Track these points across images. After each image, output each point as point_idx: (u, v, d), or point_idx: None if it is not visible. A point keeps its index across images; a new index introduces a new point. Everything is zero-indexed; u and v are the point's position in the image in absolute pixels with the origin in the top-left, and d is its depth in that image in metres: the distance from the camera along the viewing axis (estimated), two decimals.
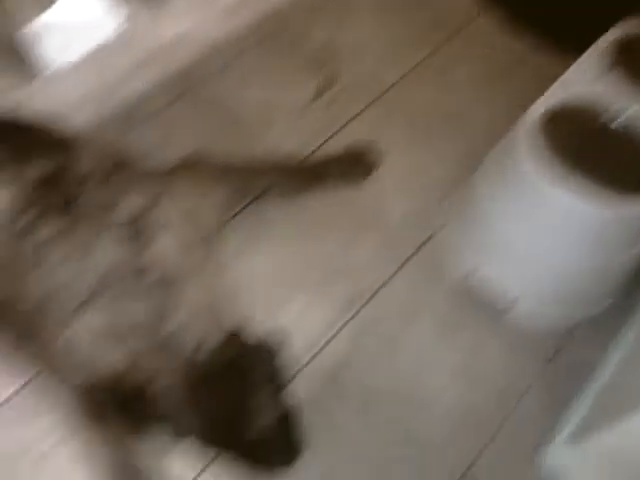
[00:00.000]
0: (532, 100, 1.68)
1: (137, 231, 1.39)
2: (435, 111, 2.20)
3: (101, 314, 1.31)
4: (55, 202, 1.37)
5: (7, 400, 1.59)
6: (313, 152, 2.07)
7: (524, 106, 1.68)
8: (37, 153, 1.42)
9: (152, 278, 1.36)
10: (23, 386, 1.60)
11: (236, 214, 1.87)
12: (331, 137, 2.11)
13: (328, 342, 1.73)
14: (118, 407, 1.35)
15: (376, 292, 1.82)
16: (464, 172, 2.02)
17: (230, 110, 2.13)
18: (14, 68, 2.14)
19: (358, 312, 1.79)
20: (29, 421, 1.56)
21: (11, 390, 1.60)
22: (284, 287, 1.81)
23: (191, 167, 1.77)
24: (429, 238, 1.93)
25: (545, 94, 1.69)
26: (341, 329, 1.76)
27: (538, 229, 1.65)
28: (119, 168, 1.48)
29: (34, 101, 2.03)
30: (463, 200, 1.92)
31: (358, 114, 2.17)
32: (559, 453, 1.57)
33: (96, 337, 1.31)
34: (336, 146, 2.07)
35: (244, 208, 1.89)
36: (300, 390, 1.62)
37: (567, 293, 1.79)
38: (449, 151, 2.11)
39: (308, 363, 1.70)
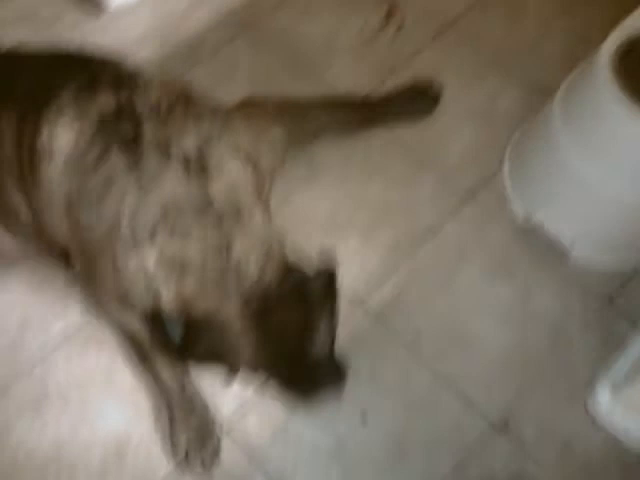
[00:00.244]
0: (608, 29, 1.59)
1: (200, 165, 1.39)
2: (502, 43, 2.12)
3: (166, 244, 1.34)
4: (121, 136, 1.38)
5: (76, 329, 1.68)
6: (375, 88, 2.03)
7: (599, 36, 1.60)
8: (102, 88, 1.44)
9: (215, 210, 1.37)
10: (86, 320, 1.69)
11: (295, 151, 1.84)
12: (394, 72, 2.06)
13: (381, 281, 1.74)
14: (182, 335, 1.40)
15: (431, 233, 1.81)
16: (531, 107, 1.97)
17: (290, 46, 2.11)
18: (80, 4, 2.17)
19: (412, 253, 1.78)
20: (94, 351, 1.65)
21: (77, 320, 1.69)
22: (339, 226, 1.81)
23: (251, 104, 1.77)
24: (489, 178, 1.89)
25: (623, 23, 1.60)
26: (395, 269, 1.76)
27: (613, 164, 1.58)
28: (182, 103, 1.48)
29: (99, 36, 2.07)
30: (530, 136, 1.86)
31: (423, 48, 2.12)
32: (607, 396, 1.54)
33: (161, 266, 1.34)
34: (399, 81, 2.02)
35: (303, 145, 1.88)
36: (352, 324, 1.66)
37: (635, 234, 1.73)
38: (516, 86, 2.04)
39: (362, 301, 1.71)
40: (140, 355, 1.61)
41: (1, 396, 1.60)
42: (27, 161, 1.44)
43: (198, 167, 1.39)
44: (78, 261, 1.51)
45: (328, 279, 1.45)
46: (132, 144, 1.37)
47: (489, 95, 2.03)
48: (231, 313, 1.34)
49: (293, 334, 1.38)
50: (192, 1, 2.19)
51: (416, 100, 1.99)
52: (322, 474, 1.56)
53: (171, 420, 1.59)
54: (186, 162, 1.38)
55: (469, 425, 1.56)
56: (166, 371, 1.59)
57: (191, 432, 1.57)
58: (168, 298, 1.34)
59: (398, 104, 1.97)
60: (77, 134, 1.40)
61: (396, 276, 1.75)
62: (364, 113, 1.95)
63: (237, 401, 1.62)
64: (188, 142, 1.40)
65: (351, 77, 2.06)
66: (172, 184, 1.35)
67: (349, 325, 1.66)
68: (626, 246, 1.76)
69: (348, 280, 1.62)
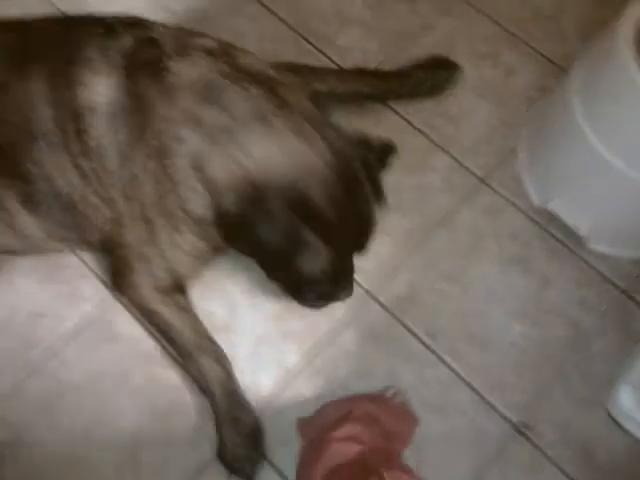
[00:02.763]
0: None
1: (223, 50, 1.46)
2: (518, 15, 2.06)
3: (207, 115, 1.37)
4: (146, 63, 1.42)
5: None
6: (386, 60, 1.96)
7: (617, 4, 1.56)
8: (121, 33, 1.46)
9: (253, 77, 1.41)
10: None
11: None
12: (406, 45, 2.00)
13: (394, 272, 1.71)
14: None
15: (444, 220, 1.77)
16: (548, 85, 1.92)
17: (299, 15, 2.04)
18: None
19: (425, 242, 1.75)
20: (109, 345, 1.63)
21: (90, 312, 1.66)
22: None
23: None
24: (503, 161, 1.85)
25: None
26: (408, 259, 1.73)
27: (635, 147, 1.53)
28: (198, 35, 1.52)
29: (102, 7, 1.97)
30: (546, 117, 1.80)
31: (436, 20, 2.04)
32: (629, 397, 1.54)
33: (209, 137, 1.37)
34: (416, 50, 1.97)
35: None
36: (366, 319, 1.65)
37: None
38: (532, 60, 1.99)
39: (375, 293, 1.69)
40: (183, 353, 1.55)
41: (15, 394, 1.57)
42: (71, 128, 1.44)
43: (221, 52, 1.45)
44: (130, 231, 1.50)
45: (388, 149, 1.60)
46: (155, 64, 1.41)
47: (504, 71, 1.97)
48: (323, 162, 1.36)
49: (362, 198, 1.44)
50: None
51: (434, 72, 1.93)
52: None
53: (218, 424, 1.52)
54: (208, 51, 1.44)
55: (487, 427, 1.55)
56: (213, 372, 1.53)
57: (240, 439, 1.50)
58: (229, 172, 1.35)
59: (415, 77, 1.91)
60: (111, 82, 1.42)
61: (409, 267, 1.72)
62: (378, 85, 1.88)
63: None
64: (209, 43, 1.47)
65: (361, 49, 1.99)
66: (197, 69, 1.41)
67: (364, 320, 1.65)
68: None
69: (359, 272, 1.58)
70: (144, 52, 1.44)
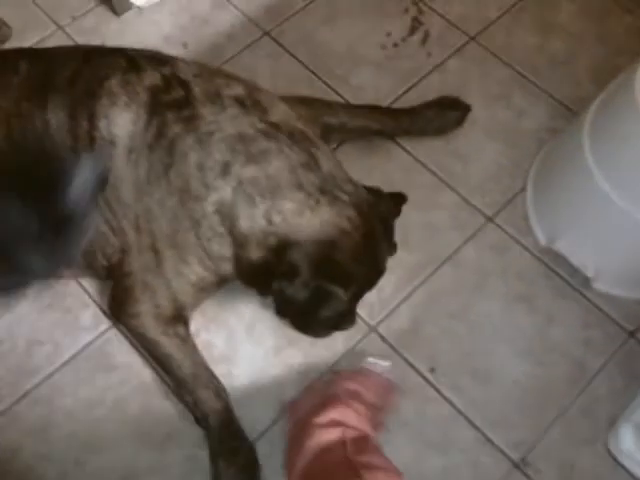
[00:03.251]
0: None
1: (253, 101, 1.49)
2: (530, 58, 2.08)
3: (244, 171, 1.40)
4: (173, 103, 1.45)
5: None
6: (397, 99, 1.99)
7: (631, 53, 1.60)
8: (145, 69, 1.50)
9: (285, 133, 1.45)
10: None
11: None
12: (417, 84, 2.03)
13: (398, 307, 1.72)
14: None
15: (450, 257, 1.78)
16: (557, 127, 1.93)
17: (312, 53, 2.08)
18: (101, 4, 2.14)
19: (429, 278, 1.75)
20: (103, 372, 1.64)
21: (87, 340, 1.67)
22: None
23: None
24: (511, 201, 1.86)
25: None
26: (412, 294, 1.73)
27: None
28: (222, 73, 1.59)
29: (119, 39, 2.03)
30: (555, 158, 1.82)
31: (447, 60, 2.07)
32: (629, 437, 1.52)
33: (241, 192, 1.40)
34: (427, 90, 1.99)
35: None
36: (368, 351, 1.64)
37: None
38: (543, 104, 2.00)
39: (379, 323, 1.69)
40: (181, 383, 1.55)
41: (7, 418, 1.57)
42: None
43: (252, 103, 1.49)
44: (137, 260, 1.53)
45: (399, 201, 1.62)
46: (184, 107, 1.45)
47: (515, 112, 1.99)
48: (348, 222, 1.41)
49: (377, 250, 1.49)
50: (214, 4, 2.15)
51: (445, 112, 1.95)
52: None
53: (213, 456, 1.52)
54: (239, 101, 1.48)
55: (487, 463, 1.54)
56: (211, 403, 1.52)
57: (236, 471, 1.49)
58: (258, 226, 1.39)
59: (425, 115, 1.93)
60: (133, 116, 1.46)
61: (412, 302, 1.72)
62: (388, 121, 1.90)
63: None
64: (237, 89, 1.50)
65: (373, 87, 2.02)
66: (232, 122, 1.44)
67: (365, 353, 1.64)
68: None
69: (363, 306, 1.60)
70: (172, 92, 1.47)
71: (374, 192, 1.55)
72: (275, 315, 1.52)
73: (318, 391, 1.53)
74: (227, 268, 1.48)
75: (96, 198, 1.13)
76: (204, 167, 1.42)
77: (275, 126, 1.46)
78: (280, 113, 1.51)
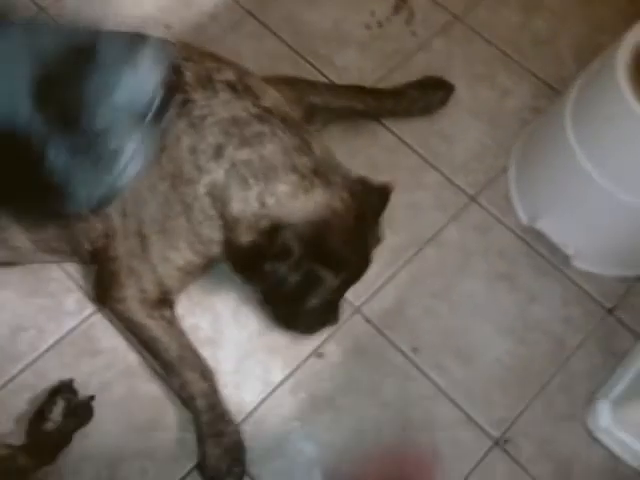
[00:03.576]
0: (622, 26, 1.56)
1: (244, 86, 1.49)
2: (514, 38, 2.08)
3: (237, 154, 1.40)
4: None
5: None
6: (382, 79, 1.99)
7: (613, 32, 1.59)
8: None
9: (277, 117, 1.46)
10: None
11: None
12: (402, 64, 2.03)
13: (381, 287, 1.73)
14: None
15: (433, 236, 1.80)
16: (540, 106, 1.95)
17: (296, 33, 2.07)
18: None
19: (413, 257, 1.77)
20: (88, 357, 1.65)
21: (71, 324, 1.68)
22: None
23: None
24: (494, 180, 1.87)
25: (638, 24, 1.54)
26: (395, 274, 1.75)
27: (626, 169, 1.55)
28: (211, 55, 1.57)
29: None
30: (537, 138, 1.83)
31: (431, 40, 2.07)
32: (607, 413, 1.55)
33: (234, 174, 1.40)
34: (412, 70, 1.99)
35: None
36: (352, 333, 1.67)
37: None
38: (526, 83, 2.01)
39: (363, 303, 1.71)
40: (168, 366, 1.56)
41: None
42: None
43: (243, 88, 1.49)
44: (123, 245, 1.52)
45: (385, 192, 1.58)
46: (175, 91, 1.42)
47: (498, 92, 2.00)
48: (341, 204, 1.42)
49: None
50: None
51: (429, 92, 1.95)
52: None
53: (200, 438, 1.53)
54: (231, 86, 1.47)
55: (468, 440, 1.57)
56: (197, 386, 1.54)
57: (222, 453, 1.51)
58: (251, 208, 1.39)
59: (410, 95, 1.93)
60: None
61: (396, 282, 1.74)
62: (373, 102, 1.90)
63: None
64: (227, 73, 1.50)
65: (357, 67, 2.03)
66: (225, 106, 1.44)
67: (349, 334, 1.67)
68: (631, 255, 1.75)
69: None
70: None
71: (363, 183, 1.55)
72: (260, 307, 1.55)
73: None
74: (216, 251, 1.49)
75: (165, 108, 0.90)
76: (197, 150, 1.42)
77: (268, 110, 1.46)
78: (271, 98, 1.52)
